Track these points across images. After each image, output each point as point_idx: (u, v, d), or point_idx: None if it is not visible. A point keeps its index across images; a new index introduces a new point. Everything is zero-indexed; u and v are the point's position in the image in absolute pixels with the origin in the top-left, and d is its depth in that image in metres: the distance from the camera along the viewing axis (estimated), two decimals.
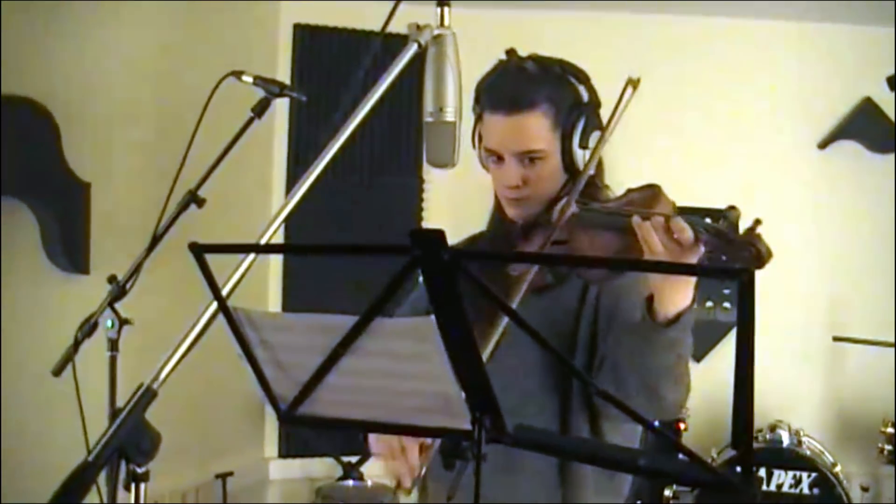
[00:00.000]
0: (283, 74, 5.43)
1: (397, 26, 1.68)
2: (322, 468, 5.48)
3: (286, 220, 1.49)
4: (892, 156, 5.55)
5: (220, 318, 1.40)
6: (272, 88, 2.68)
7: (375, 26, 1.73)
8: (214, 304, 1.39)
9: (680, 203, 1.84)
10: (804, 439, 4.63)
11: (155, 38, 4.67)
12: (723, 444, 4.72)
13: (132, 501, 1.36)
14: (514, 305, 1.83)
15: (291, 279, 5.61)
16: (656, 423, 1.63)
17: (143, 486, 1.37)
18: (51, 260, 4.24)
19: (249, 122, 2.66)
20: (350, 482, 5.21)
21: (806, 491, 4.47)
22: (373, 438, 2.02)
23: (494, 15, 5.33)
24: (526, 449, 1.47)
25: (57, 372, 2.73)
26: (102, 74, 4.40)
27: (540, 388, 2.02)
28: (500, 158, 2.05)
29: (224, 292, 1.39)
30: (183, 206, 2.66)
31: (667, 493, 4.58)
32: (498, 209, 2.17)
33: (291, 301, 5.59)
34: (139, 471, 1.37)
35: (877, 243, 5.52)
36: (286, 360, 1.42)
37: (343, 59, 5.51)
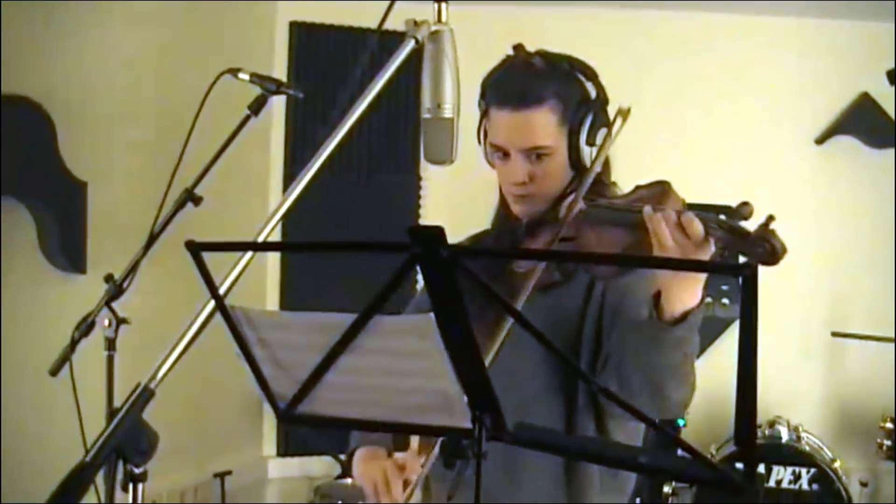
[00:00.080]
0: (280, 72, 5.42)
1: (395, 23, 1.67)
2: (320, 466, 5.48)
3: (283, 217, 1.48)
4: (890, 151, 5.55)
5: (218, 316, 1.39)
6: (269, 86, 2.66)
7: (372, 24, 1.71)
8: (212, 303, 1.38)
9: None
10: (803, 435, 4.63)
11: (151, 37, 4.66)
12: (722, 440, 4.72)
13: (130, 502, 1.35)
14: (519, 304, 1.82)
15: (289, 277, 5.61)
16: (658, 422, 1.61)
17: (140, 486, 1.36)
18: (48, 259, 4.23)
19: (246, 119, 2.65)
20: (349, 480, 5.19)
21: (805, 487, 4.47)
22: (357, 473, 2.04)
23: (494, 11, 5.33)
24: (526, 447, 1.46)
25: (54, 372, 2.72)
26: (99, 73, 4.40)
27: (545, 387, 2.01)
28: (506, 155, 2.03)
29: (221, 290, 1.38)
30: (180, 205, 2.65)
31: (666, 489, 4.58)
32: (503, 206, 2.15)
33: (289, 299, 5.58)
34: (137, 471, 1.35)
35: (875, 238, 5.52)
36: (284, 359, 1.41)
37: (340, 56, 5.50)
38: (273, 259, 5.53)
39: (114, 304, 2.70)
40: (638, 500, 4.54)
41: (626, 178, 2.06)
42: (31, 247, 4.18)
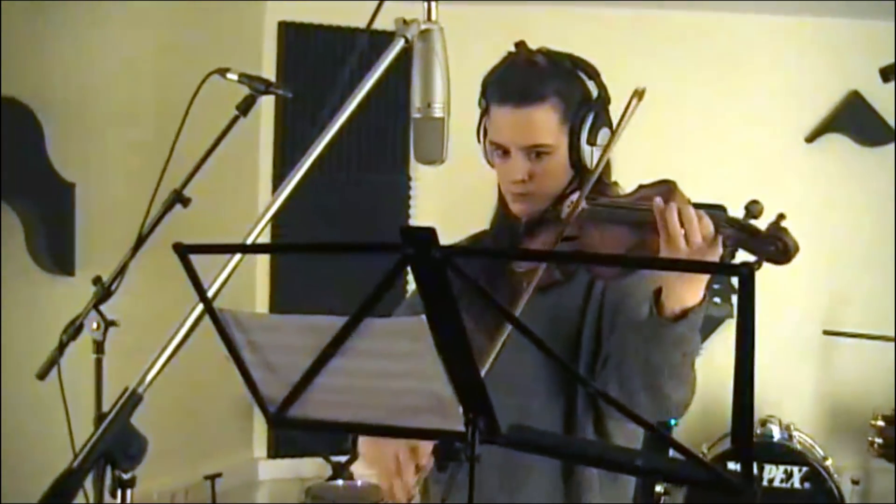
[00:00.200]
0: (269, 72, 5.41)
1: (385, 23, 1.65)
2: (311, 468, 5.46)
3: (273, 219, 1.47)
4: (881, 149, 5.56)
5: (207, 319, 1.38)
6: (257, 86, 2.65)
7: (361, 23, 1.70)
8: (200, 306, 1.36)
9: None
10: (795, 434, 4.63)
11: (140, 38, 4.65)
12: (714, 438, 4.71)
13: None
14: (521, 306, 1.80)
15: (279, 279, 5.59)
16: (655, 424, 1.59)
17: (129, 492, 1.34)
18: (35, 261, 4.21)
19: (234, 120, 2.63)
20: (340, 482, 5.18)
21: (797, 485, 4.46)
22: (369, 457, 2.01)
23: (492, 10, 5.34)
24: (520, 450, 1.45)
25: (41, 375, 2.69)
26: (87, 75, 4.38)
27: (544, 389, 1.99)
28: (505, 152, 2.01)
29: (210, 293, 1.37)
30: (168, 206, 2.63)
31: (658, 488, 4.57)
32: (502, 206, 2.13)
33: (280, 301, 5.56)
34: (125, 477, 1.34)
35: (867, 236, 5.53)
36: (275, 362, 1.40)
37: (329, 56, 5.49)
38: (263, 260, 5.51)
39: (102, 307, 2.68)
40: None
41: (616, 177, 2.04)
42: (18, 248, 4.16)
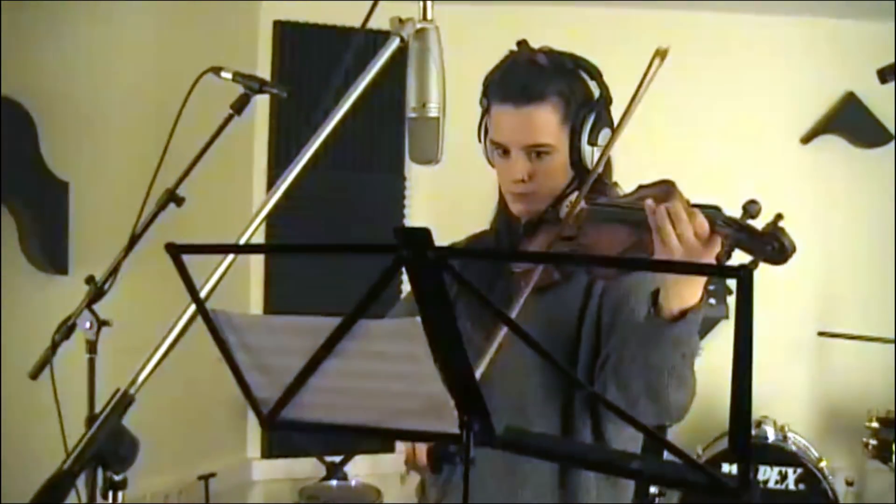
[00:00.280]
0: (264, 72, 5.40)
1: (380, 22, 1.64)
2: (306, 468, 5.45)
3: (266, 218, 1.46)
4: (876, 150, 5.56)
5: (200, 320, 1.37)
6: (252, 85, 2.63)
7: (357, 22, 1.69)
8: (193, 307, 1.35)
9: None
10: (790, 435, 4.62)
11: (134, 37, 4.63)
12: (709, 439, 4.70)
13: None
14: (517, 306, 1.79)
15: (274, 279, 5.58)
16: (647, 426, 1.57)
17: (120, 493, 1.33)
18: (29, 260, 4.20)
19: (229, 119, 2.61)
20: (334, 482, 5.18)
21: (792, 487, 4.46)
22: None
23: (492, 10, 5.34)
24: (515, 453, 1.44)
25: (34, 375, 2.68)
26: (82, 73, 4.36)
27: (542, 390, 1.98)
28: (506, 152, 2.00)
29: (203, 293, 1.35)
30: (161, 206, 2.61)
31: (653, 489, 4.57)
32: (502, 206, 2.13)
33: (274, 301, 5.55)
34: (116, 478, 1.33)
35: (862, 237, 5.53)
36: (268, 364, 1.39)
37: (324, 55, 5.48)
38: (257, 260, 5.50)
39: (95, 306, 2.67)
40: None
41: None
42: (12, 247, 4.14)
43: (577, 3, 5.47)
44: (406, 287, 1.37)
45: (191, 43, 4.80)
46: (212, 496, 4.84)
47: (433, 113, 1.65)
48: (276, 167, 5.45)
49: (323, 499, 5.15)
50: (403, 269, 1.23)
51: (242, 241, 1.44)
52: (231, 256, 1.41)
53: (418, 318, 1.25)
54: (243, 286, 5.44)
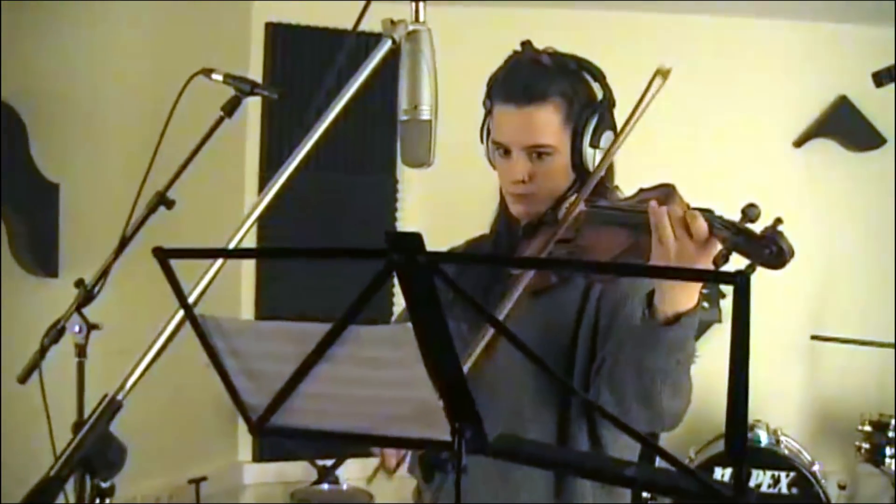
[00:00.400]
0: (256, 74, 5.39)
1: (373, 25, 1.63)
2: (297, 472, 5.43)
3: (257, 221, 1.44)
4: (869, 153, 5.56)
5: (188, 325, 1.35)
6: (242, 87, 2.61)
7: (349, 24, 1.67)
8: (181, 312, 1.33)
9: None
10: (782, 439, 4.62)
11: (125, 39, 4.62)
12: (701, 443, 4.70)
13: None
14: (506, 309, 1.77)
15: (265, 282, 5.56)
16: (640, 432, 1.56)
17: (107, 501, 1.31)
18: (19, 263, 4.17)
19: (219, 121, 2.60)
20: (325, 486, 5.17)
21: (784, 490, 4.45)
22: None
23: (493, 13, 5.35)
24: (508, 460, 1.42)
25: (22, 379, 2.65)
26: (72, 75, 4.35)
27: (537, 395, 1.96)
28: (507, 152, 1.99)
29: (192, 298, 1.34)
30: (151, 209, 2.59)
31: (645, 493, 4.55)
32: (502, 208, 2.11)
33: (265, 304, 5.53)
34: (104, 485, 1.31)
35: (855, 241, 5.53)
36: (257, 370, 1.37)
37: (316, 57, 5.47)
38: (248, 263, 5.48)
39: (85, 310, 2.65)
40: None
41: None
42: (2, 250, 4.11)
43: (573, 6, 5.46)
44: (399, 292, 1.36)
45: (182, 45, 4.78)
46: (203, 500, 4.81)
47: (425, 115, 1.63)
48: (268, 169, 5.43)
49: (314, 502, 5.14)
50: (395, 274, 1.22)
51: (233, 244, 1.43)
52: (221, 260, 1.39)
53: (409, 324, 1.23)
54: (234, 289, 5.42)
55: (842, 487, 4.87)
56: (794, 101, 5.62)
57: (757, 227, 1.53)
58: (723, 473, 4.43)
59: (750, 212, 1.55)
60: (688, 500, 1.18)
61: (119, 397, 1.32)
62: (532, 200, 2.00)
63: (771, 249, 1.49)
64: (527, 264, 1.89)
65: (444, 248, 2.20)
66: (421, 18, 1.62)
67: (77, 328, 2.63)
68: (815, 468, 4.51)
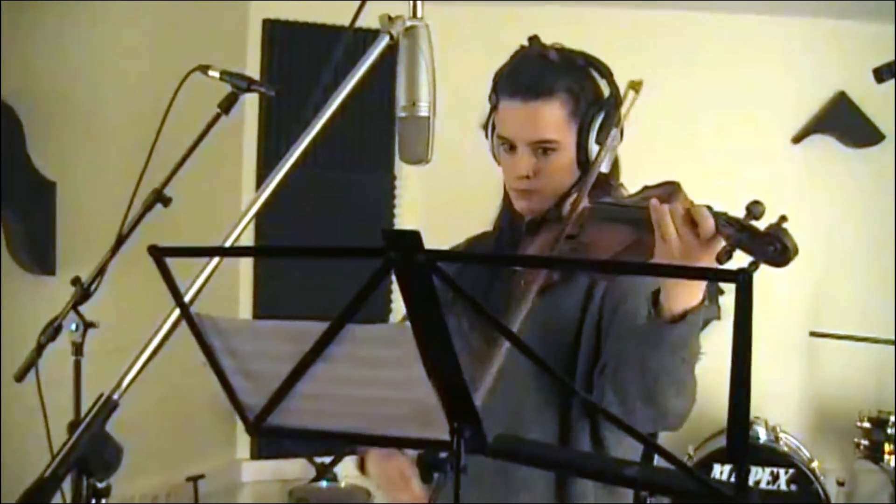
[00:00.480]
0: (254, 71, 5.37)
1: (370, 21, 1.62)
2: (295, 469, 5.42)
3: (254, 218, 1.43)
4: (867, 150, 5.55)
5: (185, 324, 1.34)
6: (239, 83, 2.61)
7: (346, 21, 1.66)
8: (178, 311, 1.32)
9: None
10: (781, 435, 4.61)
11: (122, 36, 4.60)
12: (700, 440, 4.69)
13: None
14: (518, 320, 1.76)
15: (263, 279, 5.54)
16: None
17: (103, 501, 1.30)
18: (16, 261, 4.16)
19: (216, 118, 2.59)
20: (323, 483, 5.16)
21: (783, 487, 4.45)
22: (373, 473, 2.00)
23: (496, 10, 5.34)
24: (507, 460, 1.41)
25: (19, 377, 2.65)
26: (69, 73, 4.33)
27: (539, 395, 1.95)
28: (512, 147, 1.98)
29: (188, 297, 1.33)
30: (148, 206, 2.59)
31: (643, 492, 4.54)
32: (506, 204, 2.10)
33: (263, 302, 5.52)
34: (100, 485, 1.30)
35: (853, 237, 5.52)
36: (254, 369, 1.36)
37: (314, 54, 5.45)
38: (246, 259, 5.47)
39: (81, 308, 2.64)
40: None
41: None
42: None
43: (572, 3, 5.44)
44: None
45: (179, 42, 4.77)
46: (201, 498, 4.81)
47: (423, 112, 1.62)
48: (266, 166, 5.42)
49: (312, 500, 5.13)
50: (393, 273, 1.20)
51: (230, 241, 1.42)
52: (217, 258, 1.38)
53: (407, 323, 1.22)
54: (232, 286, 5.41)
55: (841, 484, 4.86)
56: (793, 98, 5.60)
57: (761, 224, 1.52)
58: (721, 470, 4.43)
59: (754, 209, 1.53)
60: (689, 501, 1.17)
61: (115, 396, 1.31)
62: (536, 196, 1.98)
63: (775, 246, 1.48)
64: (525, 262, 1.88)
65: (443, 244, 2.19)
66: (419, 14, 1.61)
67: (74, 326, 2.63)
68: (815, 465, 4.50)
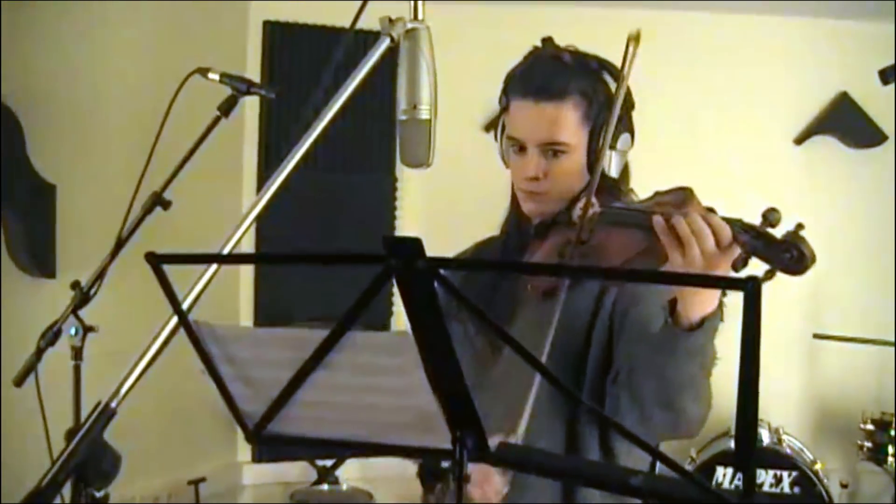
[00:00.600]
0: (254, 72, 5.37)
1: (371, 23, 1.60)
2: (296, 472, 5.41)
3: (254, 221, 1.42)
4: (869, 150, 5.54)
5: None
6: (239, 86, 2.59)
7: (347, 22, 1.65)
8: (175, 318, 1.31)
9: None
10: (784, 438, 4.59)
11: (122, 38, 4.59)
12: (703, 443, 4.67)
13: None
14: (545, 344, 1.74)
15: (263, 284, 5.52)
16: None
17: None
18: (16, 264, 4.14)
19: (216, 121, 2.57)
20: (325, 486, 5.15)
21: (787, 490, 4.43)
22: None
23: (498, 11, 5.32)
24: (510, 469, 1.39)
25: (18, 382, 2.63)
26: (69, 75, 4.32)
27: (545, 403, 1.92)
28: (521, 148, 1.96)
29: (187, 303, 1.31)
30: (147, 209, 2.57)
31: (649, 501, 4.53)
32: (514, 206, 2.08)
33: (264, 308, 5.49)
34: (97, 495, 1.29)
35: (855, 239, 5.51)
36: (254, 376, 1.34)
37: (314, 56, 5.44)
38: (246, 265, 5.45)
39: (81, 312, 2.62)
40: None
41: None
42: None
43: (572, 4, 5.43)
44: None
45: (180, 44, 4.76)
46: (202, 500, 4.78)
47: (424, 115, 1.61)
48: (267, 168, 5.41)
49: (314, 503, 5.12)
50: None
51: (231, 244, 1.40)
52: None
53: (409, 331, 1.21)
54: (233, 290, 5.39)
55: (844, 486, 4.85)
56: (795, 98, 5.59)
57: (777, 232, 1.51)
58: (724, 473, 4.41)
59: (770, 216, 1.52)
60: None
61: (113, 404, 1.30)
62: (545, 199, 1.96)
63: (792, 254, 1.47)
64: (529, 270, 1.86)
65: (444, 246, 2.17)
66: (420, 16, 1.59)
67: (73, 330, 2.61)
68: (818, 467, 4.49)
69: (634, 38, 1.87)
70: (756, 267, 1.41)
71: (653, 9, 5.44)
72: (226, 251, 1.40)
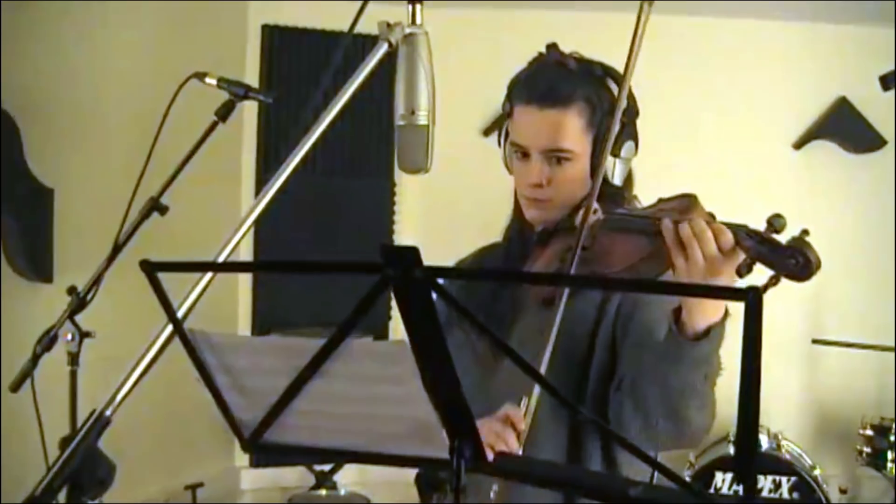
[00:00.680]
0: (252, 76, 5.36)
1: (369, 27, 1.59)
2: (294, 477, 5.40)
3: (252, 225, 1.41)
4: (868, 155, 5.53)
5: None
6: (236, 91, 2.58)
7: (345, 27, 1.64)
8: (170, 327, 1.30)
9: None
10: (783, 443, 4.58)
11: (121, 41, 4.59)
12: (701, 448, 4.66)
13: None
14: (546, 354, 1.73)
15: (261, 291, 5.50)
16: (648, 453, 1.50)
17: None
18: (13, 268, 4.13)
19: (213, 126, 2.57)
20: (323, 491, 5.14)
21: (786, 495, 4.42)
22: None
23: (499, 15, 5.30)
24: (508, 479, 1.38)
25: (14, 388, 2.62)
26: (67, 79, 4.31)
27: (549, 410, 1.90)
28: (525, 155, 1.96)
29: (182, 311, 1.30)
30: (145, 214, 2.56)
31: None
32: (517, 213, 2.07)
33: (262, 315, 5.48)
34: (91, 503, 1.28)
35: (854, 244, 5.49)
36: (249, 385, 1.33)
37: (313, 60, 5.44)
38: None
39: (78, 317, 2.61)
40: None
41: None
42: None
43: (571, 8, 5.42)
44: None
45: (178, 48, 4.75)
46: None
47: (422, 121, 1.60)
48: (265, 172, 5.40)
49: None
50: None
51: (229, 249, 1.39)
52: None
53: (406, 340, 1.20)
54: (230, 297, 5.38)
55: (843, 491, 4.84)
56: (794, 103, 5.58)
57: (782, 238, 1.50)
58: (723, 478, 4.40)
59: (775, 222, 1.52)
60: None
61: (108, 413, 1.29)
62: (547, 206, 1.96)
63: (797, 260, 1.46)
64: (527, 279, 1.86)
65: (442, 252, 2.16)
66: (418, 21, 1.58)
67: (69, 336, 2.60)
68: (817, 472, 4.48)
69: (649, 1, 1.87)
70: (761, 273, 1.40)
71: (653, 14, 5.42)
72: (223, 256, 1.39)
